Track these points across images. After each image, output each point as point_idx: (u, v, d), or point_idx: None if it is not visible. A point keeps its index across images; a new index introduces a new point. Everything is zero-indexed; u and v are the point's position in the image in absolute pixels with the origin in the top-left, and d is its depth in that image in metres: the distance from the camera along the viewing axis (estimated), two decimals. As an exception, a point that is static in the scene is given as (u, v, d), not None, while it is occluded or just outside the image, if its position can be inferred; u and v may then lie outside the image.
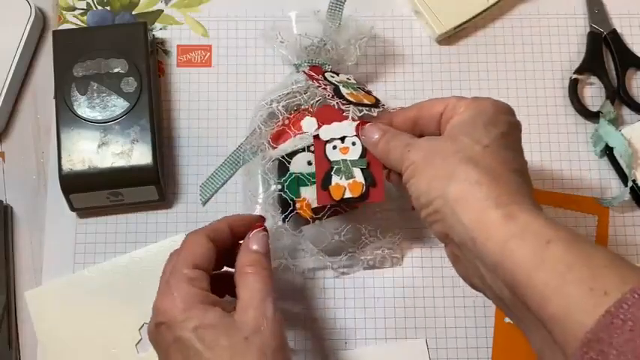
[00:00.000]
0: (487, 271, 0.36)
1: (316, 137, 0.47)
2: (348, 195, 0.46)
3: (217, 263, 0.43)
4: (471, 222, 0.35)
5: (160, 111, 0.56)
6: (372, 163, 0.46)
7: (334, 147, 0.47)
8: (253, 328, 0.38)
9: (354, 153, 0.46)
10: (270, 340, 0.38)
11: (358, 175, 0.46)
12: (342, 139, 0.47)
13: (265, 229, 0.44)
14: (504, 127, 0.40)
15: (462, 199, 0.36)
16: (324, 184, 0.46)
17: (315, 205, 0.48)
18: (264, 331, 0.38)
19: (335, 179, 0.46)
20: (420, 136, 0.44)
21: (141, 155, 0.51)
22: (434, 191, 0.38)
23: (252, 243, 0.43)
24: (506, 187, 0.36)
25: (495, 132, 0.39)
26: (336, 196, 0.46)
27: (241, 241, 0.44)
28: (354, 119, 0.47)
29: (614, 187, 0.56)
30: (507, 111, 0.41)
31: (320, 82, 0.49)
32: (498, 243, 0.34)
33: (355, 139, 0.46)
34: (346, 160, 0.46)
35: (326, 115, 0.48)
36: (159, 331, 0.39)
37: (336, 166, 0.46)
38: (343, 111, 0.47)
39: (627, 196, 0.54)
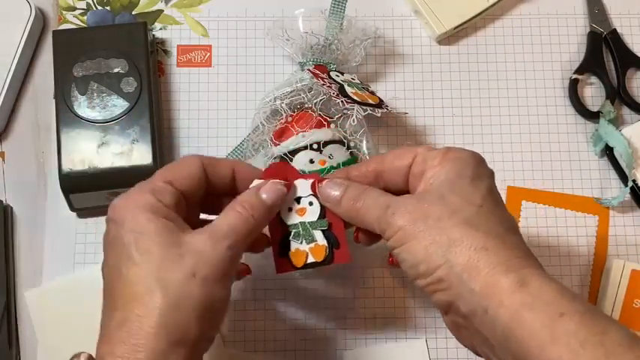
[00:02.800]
0: (497, 342, 0.34)
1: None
2: (311, 260, 0.42)
3: (210, 202, 0.41)
4: (482, 289, 0.34)
5: (160, 111, 0.56)
6: (333, 222, 0.42)
7: (289, 209, 0.43)
8: (194, 249, 0.36)
9: (313, 214, 0.42)
10: (207, 267, 0.35)
11: (319, 238, 0.42)
12: (298, 199, 0.43)
13: (286, 186, 0.41)
14: (488, 180, 0.38)
15: (471, 266, 0.34)
16: (283, 250, 0.42)
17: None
18: (205, 256, 0.36)
19: (294, 244, 0.42)
20: (384, 189, 0.41)
21: (141, 155, 0.51)
22: (435, 260, 0.35)
23: (264, 191, 0.40)
24: (512, 251, 0.35)
25: (483, 188, 0.37)
26: (298, 263, 0.42)
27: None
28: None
29: (614, 187, 0.56)
30: (483, 161, 0.39)
31: (325, 80, 0.49)
32: (510, 311, 0.33)
33: (312, 198, 0.43)
34: (305, 222, 0.42)
35: (276, 172, 0.43)
36: (107, 227, 0.38)
37: (294, 230, 0.42)
38: (291, 170, 0.44)
39: (627, 196, 0.54)
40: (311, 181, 0.43)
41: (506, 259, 0.34)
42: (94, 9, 0.59)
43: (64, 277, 0.53)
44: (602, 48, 0.59)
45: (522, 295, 0.33)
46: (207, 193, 0.41)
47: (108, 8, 0.59)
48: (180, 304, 0.35)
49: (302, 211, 0.43)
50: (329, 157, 0.50)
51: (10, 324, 0.51)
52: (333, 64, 0.53)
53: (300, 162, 0.50)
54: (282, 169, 0.43)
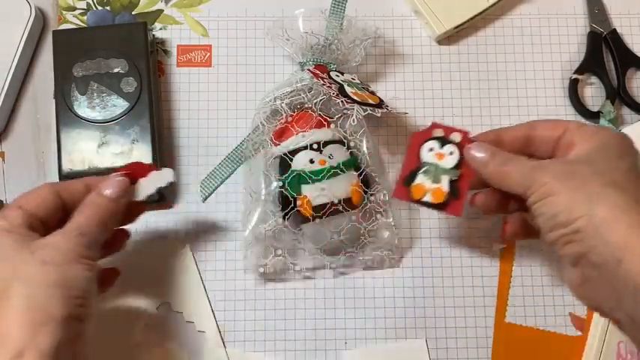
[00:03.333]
0: (629, 292, 0.36)
1: (418, 133, 0.47)
2: (427, 199, 0.46)
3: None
4: (618, 242, 0.36)
5: (160, 111, 0.56)
6: (463, 177, 0.46)
7: (430, 149, 0.47)
8: (45, 243, 0.39)
9: (450, 162, 0.46)
10: (59, 253, 0.39)
11: (444, 184, 0.46)
12: (442, 144, 0.47)
13: (128, 177, 0.45)
14: (632, 157, 0.41)
15: (611, 220, 0.37)
16: (408, 180, 0.46)
17: (316, 203, 0.49)
18: (55, 245, 0.39)
19: (420, 179, 0.46)
20: (530, 156, 0.44)
21: (141, 155, 0.51)
22: (576, 210, 0.38)
23: (105, 187, 0.43)
24: None
25: (629, 161, 0.40)
26: (416, 196, 0.46)
27: None
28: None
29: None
30: (631, 144, 0.42)
31: (325, 80, 0.49)
32: None
33: (455, 148, 0.46)
34: (439, 165, 0.46)
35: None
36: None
37: (426, 167, 0.46)
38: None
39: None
40: (461, 135, 0.46)
41: None
42: (94, 9, 0.59)
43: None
44: (602, 48, 0.59)
45: None
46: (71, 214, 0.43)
47: (108, 8, 0.59)
48: (39, 289, 0.37)
49: (440, 156, 0.46)
50: (329, 157, 0.50)
51: (10, 324, 0.51)
52: (333, 64, 0.53)
53: (300, 162, 0.50)
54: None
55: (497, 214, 0.48)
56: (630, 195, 0.38)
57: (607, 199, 0.37)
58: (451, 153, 0.46)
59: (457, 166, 0.46)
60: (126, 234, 0.48)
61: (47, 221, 0.42)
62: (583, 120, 0.57)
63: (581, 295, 0.41)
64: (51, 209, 0.42)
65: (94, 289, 0.40)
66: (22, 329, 0.36)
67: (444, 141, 0.47)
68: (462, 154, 0.46)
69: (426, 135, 0.47)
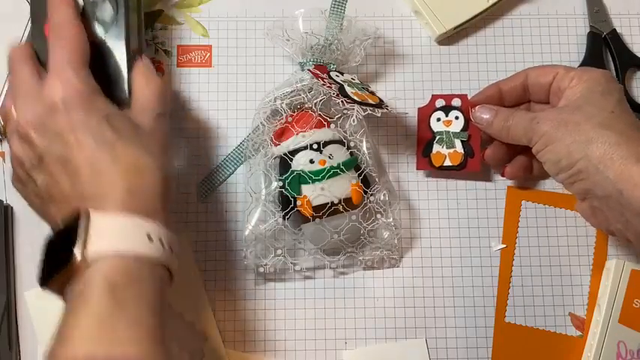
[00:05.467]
0: (633, 215, 0.42)
1: (422, 108, 0.54)
2: (447, 163, 0.52)
3: None
4: (616, 176, 0.42)
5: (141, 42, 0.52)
6: (472, 136, 0.52)
7: (438, 119, 0.53)
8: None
9: (457, 126, 0.53)
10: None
11: (458, 146, 0.52)
12: (446, 112, 0.53)
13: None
14: (617, 94, 0.46)
15: (606, 158, 0.42)
16: (426, 151, 0.53)
17: (316, 203, 0.49)
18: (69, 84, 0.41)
19: (436, 147, 0.53)
20: (528, 102, 0.52)
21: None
22: (575, 154, 0.44)
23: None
24: None
25: (613, 99, 0.46)
26: (437, 163, 0.52)
27: None
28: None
29: (614, 187, 0.56)
30: (614, 79, 0.48)
31: (325, 80, 0.49)
32: None
33: (458, 113, 0.53)
34: (449, 131, 0.52)
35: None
36: (53, 118, 0.41)
37: (438, 136, 0.53)
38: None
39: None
40: (460, 100, 0.53)
41: (636, 152, 0.42)
42: (94, 9, 0.59)
43: (64, 277, 0.52)
44: (602, 48, 0.59)
45: None
46: None
47: (108, 8, 0.59)
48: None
49: (448, 123, 0.53)
50: (329, 157, 0.50)
51: (10, 324, 0.51)
52: (333, 64, 0.53)
53: (300, 162, 0.50)
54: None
55: (505, 164, 0.53)
56: (618, 131, 0.43)
57: (599, 139, 0.43)
58: (457, 117, 0.53)
59: (465, 128, 0.52)
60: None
61: None
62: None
63: (594, 223, 0.48)
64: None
65: None
66: None
67: (447, 109, 0.53)
68: (466, 117, 0.52)
69: (430, 107, 0.53)
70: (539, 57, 0.59)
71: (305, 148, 0.50)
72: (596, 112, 0.45)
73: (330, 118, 0.52)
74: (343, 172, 0.50)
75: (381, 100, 0.51)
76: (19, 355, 0.52)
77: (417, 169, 0.54)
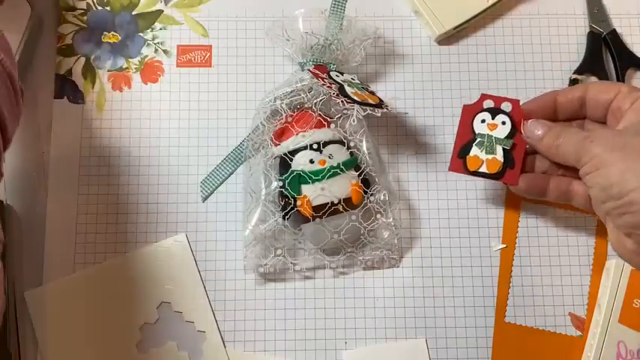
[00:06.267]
0: None
1: (468, 106, 0.49)
2: (483, 169, 0.47)
3: None
4: None
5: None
6: (517, 146, 0.47)
7: (483, 120, 0.48)
8: None
9: (502, 132, 0.48)
10: None
11: (499, 153, 0.47)
12: (493, 115, 0.48)
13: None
14: None
15: None
16: (462, 152, 0.48)
17: (316, 203, 0.49)
18: None
19: (474, 150, 0.48)
20: (584, 119, 0.47)
21: None
22: (629, 183, 0.39)
23: None
24: None
25: None
26: (472, 167, 0.48)
27: None
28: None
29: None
30: None
31: (325, 80, 0.49)
32: None
33: (506, 118, 0.48)
34: (492, 135, 0.48)
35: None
36: None
37: (479, 139, 0.48)
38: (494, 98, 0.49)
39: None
40: (512, 105, 0.48)
41: None
42: (94, 9, 0.59)
43: (64, 277, 0.53)
44: (601, 48, 0.59)
45: None
46: None
47: (108, 8, 0.59)
48: None
49: (493, 126, 0.48)
50: (329, 157, 0.50)
51: (10, 324, 0.51)
52: (333, 64, 0.53)
53: (299, 162, 0.50)
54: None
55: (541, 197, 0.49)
56: None
57: None
58: (503, 123, 0.48)
59: (510, 135, 0.48)
60: None
61: None
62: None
63: (637, 263, 0.42)
64: None
65: None
66: None
67: (495, 111, 0.48)
68: (514, 123, 0.48)
69: (476, 107, 0.49)
70: (539, 57, 0.59)
71: (305, 148, 0.50)
72: None
73: (330, 118, 0.52)
74: (343, 172, 0.50)
75: (381, 100, 0.51)
76: (19, 355, 0.51)
77: (450, 170, 0.49)
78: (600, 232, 0.55)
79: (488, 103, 0.49)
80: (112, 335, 0.51)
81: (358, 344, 0.52)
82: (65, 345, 0.51)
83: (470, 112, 0.49)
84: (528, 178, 0.48)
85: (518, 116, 0.48)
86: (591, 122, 0.48)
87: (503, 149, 0.48)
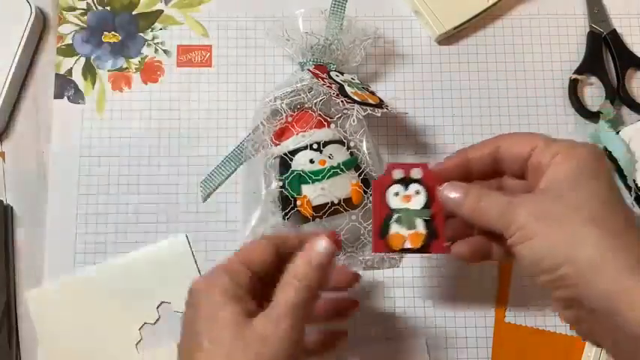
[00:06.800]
0: (627, 339, 0.34)
1: (377, 181, 0.45)
2: (408, 245, 0.43)
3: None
4: (609, 291, 0.34)
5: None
6: (436, 214, 0.43)
7: (396, 193, 0.44)
8: (258, 335, 0.37)
9: (418, 202, 0.44)
10: (271, 353, 0.36)
11: (420, 226, 0.43)
12: (406, 185, 0.44)
13: (334, 245, 0.40)
14: (606, 176, 0.38)
15: (596, 266, 0.34)
16: (383, 231, 0.44)
17: (316, 203, 0.49)
18: (268, 342, 0.36)
19: (395, 228, 0.44)
20: (501, 176, 0.43)
21: None
22: (558, 257, 0.35)
23: (312, 256, 0.39)
24: (637, 250, 0.35)
25: (604, 184, 0.37)
26: (395, 246, 0.43)
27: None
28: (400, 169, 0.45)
29: (614, 187, 0.56)
30: (602, 157, 0.39)
31: (325, 80, 0.49)
32: None
33: (419, 187, 0.44)
34: (409, 209, 0.44)
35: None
36: (185, 309, 0.39)
37: (396, 215, 0.44)
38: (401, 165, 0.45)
39: (628, 197, 0.54)
40: (423, 171, 0.44)
41: (635, 260, 0.34)
42: (94, 9, 0.59)
43: (64, 277, 0.53)
44: (601, 48, 0.59)
45: None
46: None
47: (108, 8, 0.59)
48: None
49: (407, 198, 0.44)
50: (329, 157, 0.50)
51: (10, 324, 0.51)
52: (333, 64, 0.53)
53: (300, 162, 0.50)
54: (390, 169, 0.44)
55: (481, 261, 0.44)
56: (612, 230, 0.35)
57: (588, 240, 0.35)
58: (417, 192, 0.44)
59: (427, 204, 0.43)
60: (345, 333, 0.45)
61: (264, 278, 0.40)
62: (583, 120, 0.57)
63: (579, 333, 0.39)
64: (271, 267, 0.40)
65: None
66: None
67: (406, 181, 0.44)
68: (428, 190, 0.44)
69: (386, 180, 0.44)
70: (539, 57, 0.59)
71: (305, 148, 0.50)
72: (585, 203, 0.36)
73: (330, 118, 0.52)
74: (343, 172, 0.50)
75: (381, 100, 0.51)
76: (19, 355, 0.52)
77: (373, 252, 0.45)
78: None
79: (398, 174, 0.44)
80: (112, 335, 0.51)
81: (358, 344, 0.52)
82: (65, 345, 0.51)
83: (381, 186, 0.44)
84: (470, 243, 0.43)
85: (430, 181, 0.44)
86: (511, 178, 0.43)
87: (424, 220, 0.43)
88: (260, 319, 0.37)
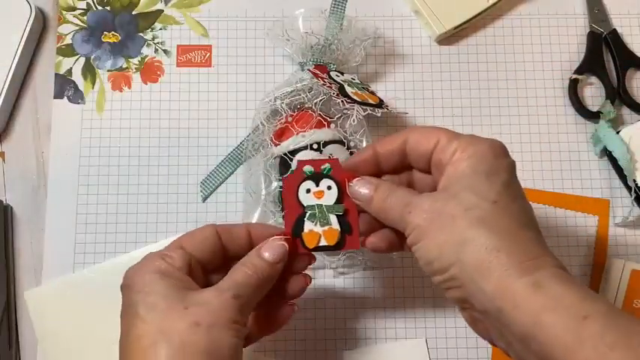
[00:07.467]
0: (516, 339, 0.34)
1: (288, 178, 0.44)
2: (323, 243, 0.43)
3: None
4: (495, 291, 0.34)
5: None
6: (348, 209, 0.43)
7: (308, 190, 0.43)
8: (199, 301, 0.37)
9: (330, 198, 0.43)
10: (212, 316, 0.36)
11: (334, 222, 0.43)
12: (317, 181, 0.43)
13: (286, 241, 0.41)
14: (505, 174, 0.37)
15: (482, 267, 0.34)
16: (296, 230, 0.43)
17: None
18: (209, 306, 0.36)
19: (308, 225, 0.43)
20: (410, 170, 0.42)
21: None
22: (447, 258, 0.36)
23: (265, 249, 0.40)
24: (526, 251, 0.34)
25: (499, 183, 0.36)
26: (310, 244, 0.43)
27: None
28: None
29: (615, 188, 0.56)
30: (504, 153, 0.38)
31: (325, 80, 0.49)
32: (529, 315, 0.32)
33: (331, 182, 0.43)
34: (322, 205, 0.43)
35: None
36: (122, 296, 0.39)
37: (310, 212, 0.43)
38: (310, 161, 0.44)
39: (628, 197, 0.54)
40: (330, 166, 0.43)
41: (519, 260, 0.34)
42: (94, 9, 0.59)
43: (64, 277, 0.53)
44: (602, 48, 0.59)
45: (539, 298, 0.32)
46: (229, 259, 0.42)
47: (108, 8, 0.59)
48: (186, 352, 0.35)
49: (320, 194, 0.43)
50: (329, 156, 0.50)
51: (10, 324, 0.51)
52: (333, 64, 0.53)
53: (300, 162, 0.50)
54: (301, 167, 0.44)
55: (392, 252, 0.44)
56: (500, 230, 0.35)
57: (476, 241, 0.35)
58: (329, 187, 0.43)
59: (339, 199, 0.43)
60: (292, 309, 0.44)
61: (207, 265, 0.41)
62: (583, 120, 0.57)
63: (477, 333, 0.38)
64: (211, 252, 0.41)
65: (239, 357, 0.37)
66: None
67: (317, 177, 0.44)
68: (339, 185, 0.43)
69: (297, 177, 0.44)
70: (539, 57, 0.59)
71: (305, 148, 0.50)
72: (476, 202, 0.36)
73: (330, 118, 0.52)
74: (343, 172, 0.50)
75: (381, 100, 0.51)
76: (19, 355, 0.52)
77: (289, 252, 0.42)
78: (600, 232, 0.55)
79: (308, 169, 0.44)
80: (112, 335, 0.51)
81: (358, 344, 0.52)
82: (65, 345, 0.51)
83: (292, 183, 0.44)
84: (385, 234, 0.42)
85: (341, 176, 0.43)
86: (420, 173, 0.42)
87: (337, 216, 0.43)
88: (203, 291, 0.38)
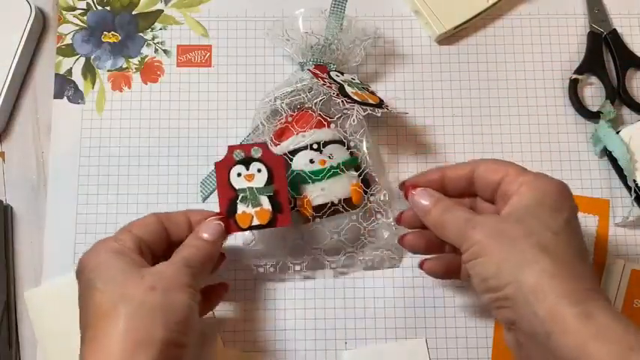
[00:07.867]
0: None
1: (219, 162, 0.47)
2: (255, 222, 0.46)
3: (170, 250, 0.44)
4: (546, 315, 0.35)
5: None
6: (278, 189, 0.46)
7: (239, 174, 0.46)
8: (154, 270, 0.40)
9: (260, 180, 0.46)
10: (166, 280, 0.39)
11: (265, 203, 0.46)
12: (247, 165, 0.47)
13: (221, 220, 0.45)
14: (568, 213, 0.39)
15: (538, 290, 0.35)
16: (230, 212, 0.46)
17: (316, 203, 0.49)
18: (163, 274, 0.40)
19: (241, 207, 0.46)
20: (474, 196, 0.45)
21: None
22: (505, 277, 0.37)
23: (202, 230, 0.44)
24: (581, 282, 0.36)
25: (561, 219, 0.38)
26: (244, 224, 0.46)
27: None
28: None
29: (615, 187, 0.56)
30: (569, 195, 0.40)
31: (325, 80, 0.49)
32: (577, 342, 0.34)
33: (261, 165, 0.46)
34: (252, 187, 0.46)
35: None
36: (78, 284, 0.42)
37: (242, 194, 0.46)
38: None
39: (628, 197, 0.54)
40: (260, 149, 0.47)
41: (573, 289, 0.35)
42: (94, 9, 0.59)
43: (64, 277, 0.52)
44: (602, 48, 0.59)
45: (589, 327, 0.34)
46: (173, 244, 0.45)
47: (108, 8, 0.59)
48: (143, 311, 0.38)
49: (250, 177, 0.46)
50: (329, 156, 0.50)
51: (10, 324, 0.51)
52: (333, 64, 0.53)
53: (300, 162, 0.50)
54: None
55: (428, 254, 0.48)
56: (558, 258, 0.36)
57: (535, 265, 0.36)
58: (259, 170, 0.46)
59: (269, 181, 0.46)
60: (225, 287, 0.50)
61: (154, 249, 0.44)
62: (583, 120, 0.57)
63: (517, 357, 0.40)
64: (157, 236, 0.44)
65: (195, 318, 0.40)
66: (123, 349, 0.37)
67: (247, 161, 0.47)
68: (268, 168, 0.46)
69: (228, 161, 0.47)
70: (539, 57, 0.59)
71: (305, 148, 0.50)
72: (538, 230, 0.38)
73: (330, 118, 0.52)
74: (343, 172, 0.50)
75: (381, 100, 0.51)
76: (19, 354, 0.52)
77: (226, 233, 0.46)
78: (600, 232, 0.54)
79: (238, 154, 0.47)
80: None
81: (358, 344, 0.52)
82: (65, 345, 0.51)
83: (223, 168, 0.47)
84: (443, 260, 0.47)
85: (270, 159, 0.46)
86: (483, 201, 0.45)
87: (268, 197, 0.46)
88: (156, 265, 0.41)
